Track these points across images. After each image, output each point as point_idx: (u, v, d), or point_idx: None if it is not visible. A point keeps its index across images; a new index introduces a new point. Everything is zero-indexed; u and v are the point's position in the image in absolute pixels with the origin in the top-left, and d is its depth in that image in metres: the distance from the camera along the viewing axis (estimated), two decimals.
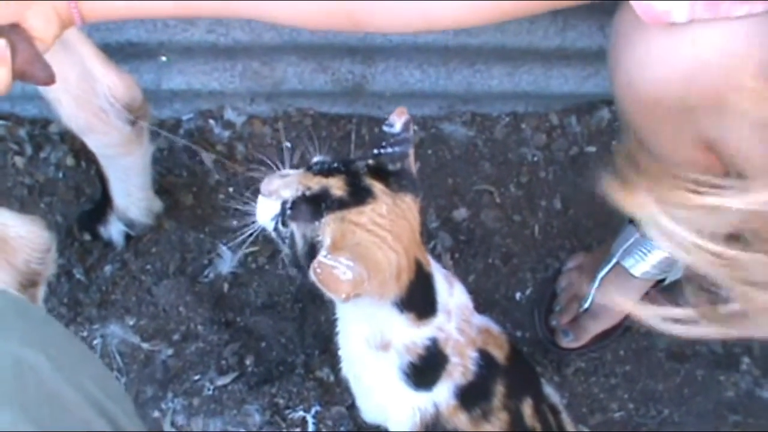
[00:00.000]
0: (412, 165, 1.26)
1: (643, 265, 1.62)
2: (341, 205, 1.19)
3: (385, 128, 1.26)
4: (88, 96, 1.43)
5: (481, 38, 1.80)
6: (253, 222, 1.27)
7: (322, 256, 1.13)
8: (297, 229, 1.21)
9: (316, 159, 1.26)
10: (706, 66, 1.07)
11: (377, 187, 1.21)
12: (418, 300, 1.26)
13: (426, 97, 1.91)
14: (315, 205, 1.19)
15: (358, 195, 1.20)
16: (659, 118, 1.18)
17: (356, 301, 1.16)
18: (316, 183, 1.20)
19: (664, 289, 1.70)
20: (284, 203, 1.21)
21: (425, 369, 1.31)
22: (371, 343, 1.30)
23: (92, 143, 1.55)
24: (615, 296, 1.67)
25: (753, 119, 1.10)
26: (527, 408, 1.37)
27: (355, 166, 1.23)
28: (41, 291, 1.35)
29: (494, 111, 1.93)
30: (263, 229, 1.27)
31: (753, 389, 1.72)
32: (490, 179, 1.88)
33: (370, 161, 1.24)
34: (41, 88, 1.43)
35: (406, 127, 1.25)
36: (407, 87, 1.88)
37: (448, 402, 1.32)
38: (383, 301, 1.23)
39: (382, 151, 1.24)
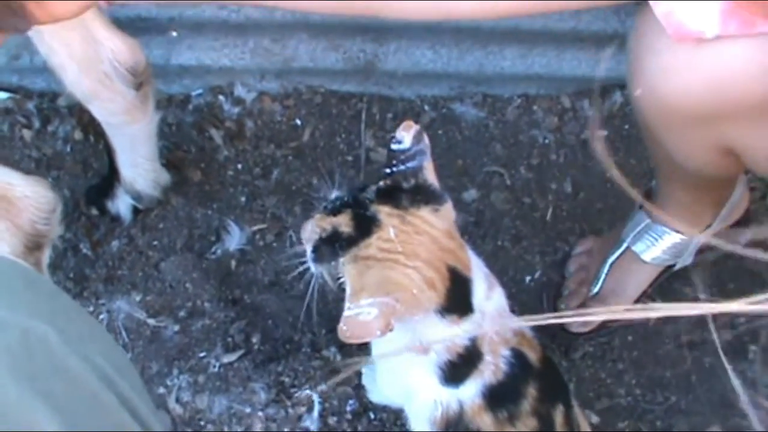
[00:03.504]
0: (431, 174, 1.23)
1: (653, 251, 1.62)
2: (350, 242, 1.19)
3: (394, 146, 1.23)
4: (92, 61, 1.42)
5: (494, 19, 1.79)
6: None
7: (345, 311, 1.15)
8: (324, 271, 1.23)
9: (332, 195, 1.25)
10: (735, 74, 1.07)
11: (383, 211, 1.20)
12: (458, 303, 1.24)
13: (437, 78, 1.89)
14: (331, 246, 1.20)
15: (364, 227, 1.20)
16: (681, 125, 1.18)
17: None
18: (327, 224, 1.21)
19: (674, 275, 1.70)
20: None
21: (460, 366, 1.28)
22: (412, 348, 1.28)
23: (97, 111, 1.53)
24: (625, 281, 1.67)
25: None
26: (559, 415, 1.34)
27: (364, 195, 1.22)
28: (46, 255, 1.35)
29: (506, 92, 1.92)
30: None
31: (760, 378, 1.71)
32: (501, 161, 1.87)
33: (382, 183, 1.22)
34: (46, 56, 1.42)
35: (416, 139, 1.22)
36: (419, 67, 1.87)
37: (473, 401, 1.29)
38: (426, 313, 1.21)
39: (393, 170, 1.22)
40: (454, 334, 1.25)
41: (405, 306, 1.16)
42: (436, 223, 1.21)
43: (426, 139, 1.23)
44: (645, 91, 1.17)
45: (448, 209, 1.24)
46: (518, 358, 1.31)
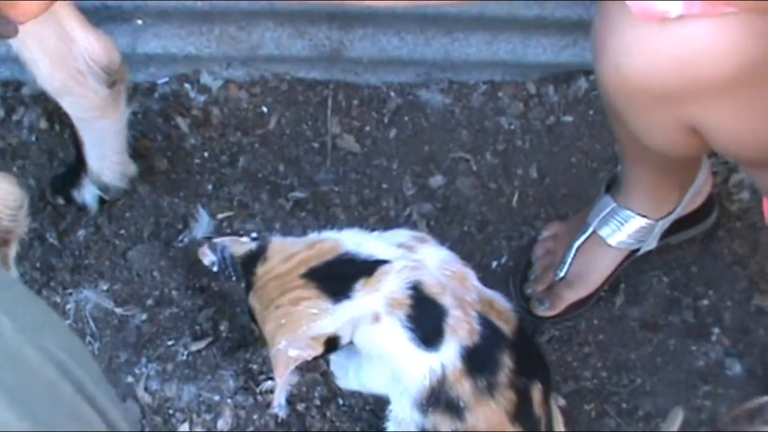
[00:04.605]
0: (239, 247, 1.37)
1: (619, 235, 1.63)
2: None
3: (215, 269, 1.40)
4: (65, 57, 1.42)
5: (459, 6, 1.80)
6: None
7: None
8: None
9: None
10: (698, 53, 1.08)
11: (251, 301, 1.36)
12: (340, 276, 1.32)
13: (403, 64, 1.90)
14: None
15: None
16: (645, 103, 1.19)
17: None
18: None
19: (639, 259, 1.71)
20: None
21: (425, 320, 1.31)
22: (367, 322, 1.32)
23: (68, 106, 1.53)
24: (590, 265, 1.68)
25: (738, 105, 1.12)
26: (537, 393, 1.36)
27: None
28: (13, 250, 1.34)
29: (471, 79, 1.93)
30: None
31: (723, 359, 1.73)
32: (467, 147, 1.88)
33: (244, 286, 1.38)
34: (18, 50, 1.41)
35: (213, 251, 1.39)
36: (385, 54, 1.87)
37: (455, 365, 1.31)
38: (326, 312, 1.30)
39: (234, 277, 1.39)
40: (386, 287, 1.30)
41: (292, 334, 1.29)
42: (269, 265, 1.34)
43: (217, 242, 1.39)
44: (609, 70, 1.18)
45: (271, 250, 1.35)
46: (487, 323, 1.34)
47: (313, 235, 1.39)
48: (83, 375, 0.83)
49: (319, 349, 1.31)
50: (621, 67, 1.16)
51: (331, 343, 1.33)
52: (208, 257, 1.39)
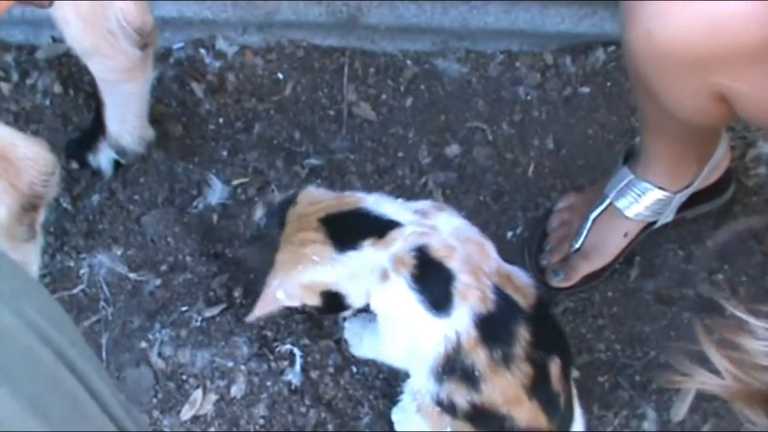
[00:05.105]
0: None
1: (636, 207, 1.63)
2: None
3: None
4: (97, 18, 1.41)
5: None
6: None
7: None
8: None
9: None
10: (731, 17, 1.07)
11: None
12: (351, 227, 1.36)
13: (421, 32, 1.88)
14: None
15: None
16: (675, 69, 1.19)
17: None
18: None
19: (655, 232, 1.71)
20: None
21: (430, 280, 1.32)
22: (376, 280, 1.34)
23: (95, 67, 1.52)
24: (607, 237, 1.68)
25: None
26: (555, 368, 1.36)
27: None
28: (41, 215, 1.34)
29: (489, 48, 1.91)
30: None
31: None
32: (483, 117, 1.87)
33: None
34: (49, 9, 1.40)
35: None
36: (402, 21, 1.86)
37: (469, 332, 1.32)
38: (326, 259, 1.35)
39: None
40: (393, 248, 1.32)
41: (286, 273, 1.37)
42: (298, 210, 1.39)
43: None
44: (640, 36, 1.17)
45: (302, 195, 1.41)
46: (502, 294, 1.34)
47: (345, 193, 1.43)
48: (63, 341, 0.81)
49: (312, 299, 1.36)
50: (653, 32, 1.15)
51: (333, 299, 1.36)
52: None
